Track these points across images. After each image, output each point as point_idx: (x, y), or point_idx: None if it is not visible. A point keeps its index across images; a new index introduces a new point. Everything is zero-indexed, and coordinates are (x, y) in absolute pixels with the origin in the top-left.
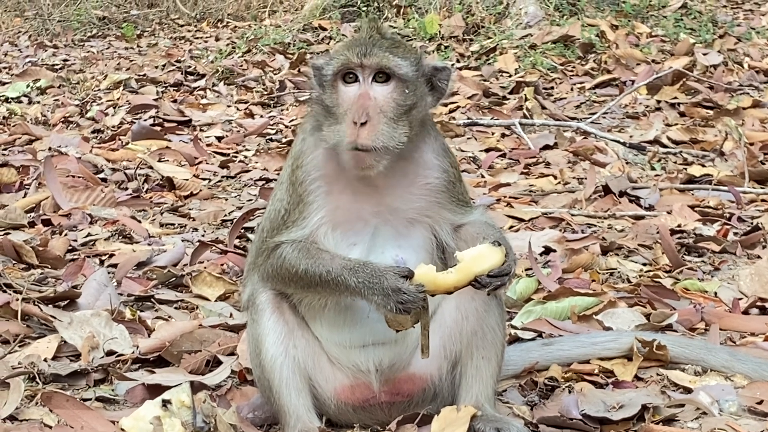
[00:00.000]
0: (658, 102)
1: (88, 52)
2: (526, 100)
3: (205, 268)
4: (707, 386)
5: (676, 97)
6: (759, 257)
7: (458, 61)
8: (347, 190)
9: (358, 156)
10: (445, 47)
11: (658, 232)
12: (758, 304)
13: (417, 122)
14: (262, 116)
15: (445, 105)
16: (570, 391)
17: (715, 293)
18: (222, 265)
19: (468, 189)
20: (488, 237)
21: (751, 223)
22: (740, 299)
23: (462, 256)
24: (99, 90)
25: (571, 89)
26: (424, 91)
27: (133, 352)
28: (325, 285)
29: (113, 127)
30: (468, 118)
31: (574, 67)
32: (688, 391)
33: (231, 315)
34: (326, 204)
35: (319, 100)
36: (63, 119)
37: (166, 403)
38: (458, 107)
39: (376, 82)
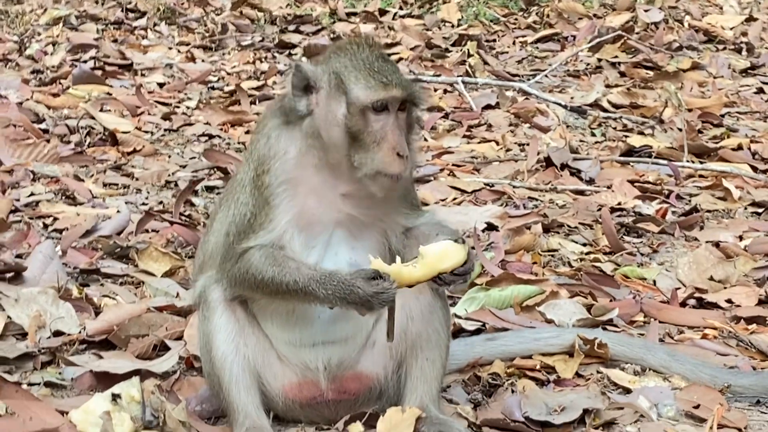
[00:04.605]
0: (599, 60)
1: None
2: (469, 56)
3: (150, 238)
4: (646, 388)
5: (616, 56)
6: (696, 239)
7: (401, 8)
8: (312, 195)
9: (392, 182)
10: None
11: (599, 210)
12: (696, 295)
13: None
14: (203, 60)
15: (388, 56)
16: (513, 391)
17: (654, 282)
18: (168, 235)
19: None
20: (444, 234)
21: (689, 201)
22: (678, 289)
23: (426, 252)
24: (38, 25)
25: (513, 43)
26: None
27: (80, 332)
28: (293, 294)
29: (53, 67)
30: (410, 72)
31: (516, 20)
32: (628, 391)
33: (177, 294)
34: (292, 207)
35: (343, 125)
36: (1, 57)
37: (115, 398)
38: (401, 59)
39: (400, 110)
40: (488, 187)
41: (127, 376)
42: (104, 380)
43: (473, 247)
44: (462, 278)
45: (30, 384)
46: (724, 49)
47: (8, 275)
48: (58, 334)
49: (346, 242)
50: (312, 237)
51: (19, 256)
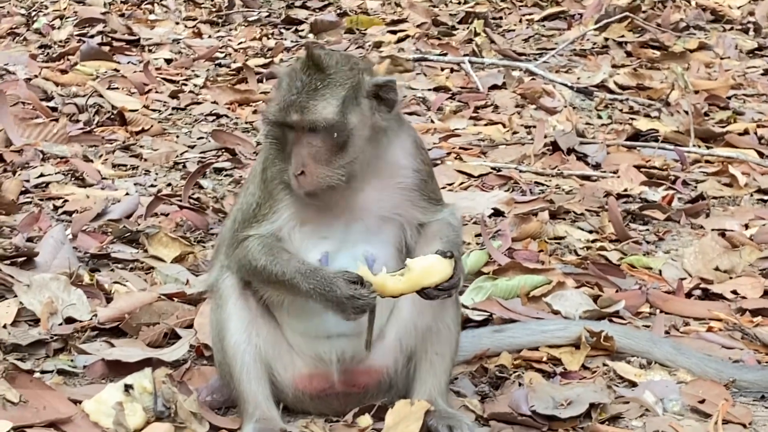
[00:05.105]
0: (606, 39)
1: None
2: (476, 35)
3: (159, 222)
4: (652, 382)
5: (623, 36)
6: (702, 227)
7: None
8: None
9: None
10: None
11: (605, 196)
12: (701, 285)
13: (361, 149)
14: (210, 36)
15: (394, 33)
16: (520, 384)
17: (660, 271)
18: (177, 219)
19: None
20: (444, 239)
21: (695, 188)
22: (684, 279)
23: (412, 265)
24: None
25: (520, 21)
26: (366, 114)
27: (91, 319)
28: (281, 284)
29: (60, 42)
30: (417, 50)
31: None
32: (634, 384)
33: (187, 281)
34: (296, 201)
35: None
36: (9, 31)
37: (128, 388)
38: (407, 36)
39: (308, 130)
40: (495, 172)
41: (138, 364)
42: (116, 368)
43: (485, 241)
44: (446, 293)
45: (43, 372)
46: (732, 29)
47: (20, 260)
48: (69, 320)
49: (363, 235)
50: (325, 227)
51: (30, 239)
